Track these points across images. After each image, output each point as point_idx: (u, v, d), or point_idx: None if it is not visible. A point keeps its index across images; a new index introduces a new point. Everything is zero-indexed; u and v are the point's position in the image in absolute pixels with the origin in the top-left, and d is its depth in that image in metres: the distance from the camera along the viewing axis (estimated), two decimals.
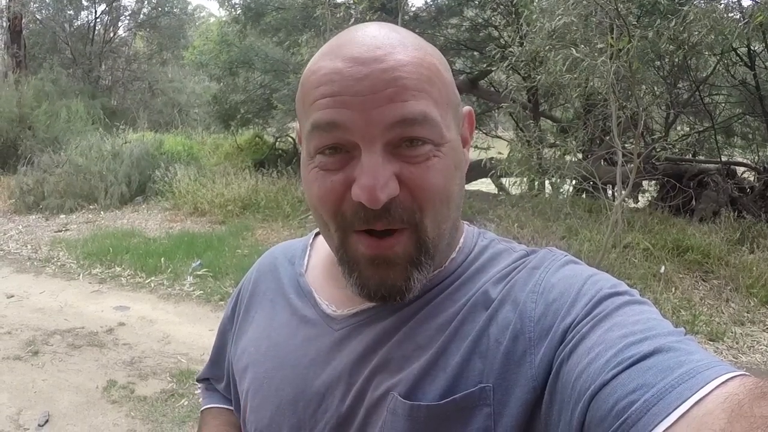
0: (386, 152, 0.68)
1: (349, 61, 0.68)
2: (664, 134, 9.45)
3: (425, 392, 0.70)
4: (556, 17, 5.83)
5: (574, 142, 7.44)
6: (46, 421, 3.89)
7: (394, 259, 0.71)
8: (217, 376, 1.09)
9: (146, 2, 22.03)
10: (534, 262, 0.76)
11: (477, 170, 7.90)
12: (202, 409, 1.13)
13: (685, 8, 5.78)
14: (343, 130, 0.68)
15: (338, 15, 7.64)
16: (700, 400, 0.50)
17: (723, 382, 0.51)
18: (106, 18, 20.72)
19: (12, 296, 6.14)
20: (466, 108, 0.80)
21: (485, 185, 11.62)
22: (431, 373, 0.71)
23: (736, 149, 11.43)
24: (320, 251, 0.94)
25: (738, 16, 7.37)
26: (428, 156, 0.69)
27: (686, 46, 6.47)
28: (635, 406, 0.53)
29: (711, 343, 5.38)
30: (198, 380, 1.17)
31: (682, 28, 5.85)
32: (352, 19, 7.69)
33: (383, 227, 0.70)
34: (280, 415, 0.82)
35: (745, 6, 7.32)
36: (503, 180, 10.53)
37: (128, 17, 22.23)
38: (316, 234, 0.99)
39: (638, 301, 0.67)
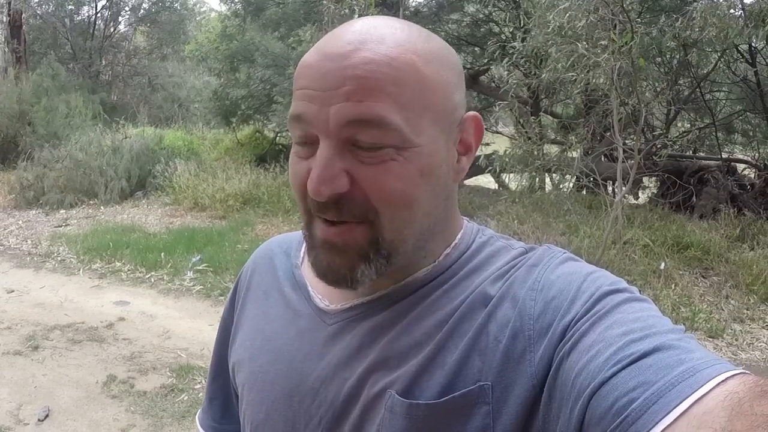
0: (341, 148, 0.68)
1: (321, 56, 0.69)
2: (664, 131, 9.44)
3: (423, 390, 0.70)
4: (565, 14, 5.81)
5: (574, 138, 7.44)
6: (46, 415, 3.89)
7: (343, 247, 0.72)
8: (223, 395, 1.06)
9: None
10: (533, 259, 0.76)
11: (477, 166, 7.89)
12: None
13: (691, 7, 5.77)
14: (306, 123, 0.69)
15: (342, 12, 7.61)
16: (700, 398, 0.50)
17: (723, 381, 0.51)
18: (106, 13, 20.70)
19: (12, 291, 6.15)
20: (471, 113, 0.77)
21: (485, 181, 11.62)
22: (429, 370, 0.70)
23: (737, 146, 11.42)
24: None
25: (739, 13, 7.35)
26: (385, 159, 0.68)
27: (690, 42, 6.46)
28: (635, 404, 0.53)
29: (710, 339, 5.38)
30: (200, 420, 1.12)
31: (685, 26, 5.84)
32: (356, 15, 7.68)
33: (333, 218, 0.71)
34: (276, 410, 0.82)
35: (748, 2, 7.30)
36: (503, 176, 10.53)
37: (128, 12, 22.20)
38: None
39: (638, 298, 0.67)
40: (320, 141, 0.68)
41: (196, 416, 1.12)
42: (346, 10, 7.60)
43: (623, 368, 0.56)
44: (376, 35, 0.69)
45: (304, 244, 0.96)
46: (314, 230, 0.74)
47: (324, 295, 0.85)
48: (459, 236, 0.82)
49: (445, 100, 0.72)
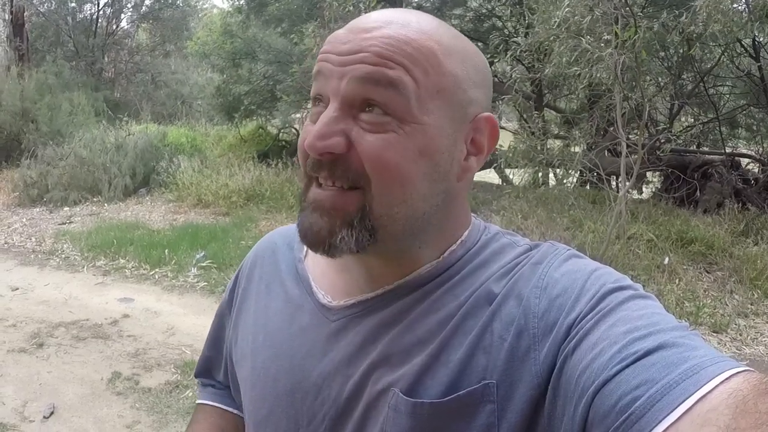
0: (346, 111, 0.70)
1: (348, 30, 0.73)
2: (668, 125, 9.41)
3: (427, 388, 0.70)
4: (564, 7, 5.80)
5: (578, 133, 7.42)
6: (52, 413, 3.91)
7: (330, 208, 0.72)
8: (215, 362, 1.09)
9: None
10: (537, 256, 0.76)
11: None
12: (196, 402, 1.13)
13: (694, 2, 5.74)
14: (322, 80, 0.72)
15: (345, 10, 7.60)
16: (705, 396, 0.50)
17: (727, 378, 0.51)
18: (108, 10, 20.67)
19: (17, 289, 6.16)
20: (487, 114, 0.76)
21: (489, 176, 11.62)
22: (433, 368, 0.70)
23: (741, 140, 11.38)
24: None
25: (743, 8, 7.33)
26: (386, 128, 0.69)
27: (693, 37, 6.44)
28: (639, 402, 0.53)
29: (714, 334, 5.37)
30: (196, 375, 1.16)
31: (688, 20, 5.82)
32: (362, 12, 7.66)
33: (325, 179, 0.72)
34: (279, 407, 0.82)
35: None
36: (507, 171, 10.52)
37: (131, 9, 22.18)
38: None
39: (642, 295, 0.67)
40: (330, 101, 0.71)
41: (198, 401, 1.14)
42: (350, 7, 7.58)
43: (627, 366, 0.56)
44: (402, 20, 0.72)
45: None
46: (308, 193, 0.75)
47: (327, 291, 0.85)
48: (466, 234, 0.82)
49: (459, 91, 0.73)
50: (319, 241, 0.73)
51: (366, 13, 0.77)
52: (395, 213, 0.72)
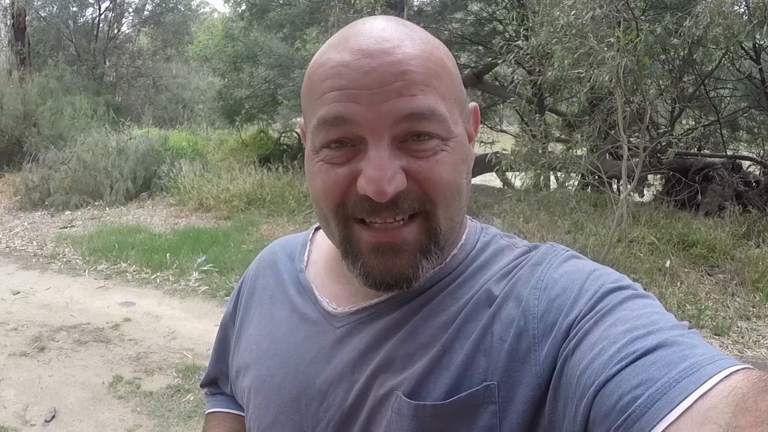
0: (393, 146, 0.68)
1: (357, 54, 0.67)
2: (669, 128, 9.41)
3: (430, 391, 0.70)
4: (571, 11, 5.81)
5: (579, 137, 7.42)
6: (53, 416, 3.90)
7: (402, 246, 0.71)
8: (222, 374, 1.09)
9: None
10: (536, 258, 0.76)
11: (482, 165, 7.88)
12: (206, 412, 1.12)
13: (697, 8, 5.75)
14: (351, 124, 0.67)
15: (349, 13, 7.61)
16: (704, 394, 0.50)
17: (727, 376, 0.51)
18: (110, 14, 20.71)
19: (18, 293, 6.16)
20: (472, 104, 0.80)
21: (490, 180, 11.60)
22: (435, 371, 0.70)
23: (742, 143, 11.37)
24: (321, 246, 0.94)
25: (743, 10, 7.33)
26: (436, 150, 0.69)
27: (695, 40, 6.44)
28: (639, 401, 0.53)
29: (716, 337, 5.36)
30: (202, 386, 1.15)
31: (691, 24, 5.82)
32: (363, 14, 7.67)
33: (387, 218, 0.69)
34: (283, 414, 0.82)
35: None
36: (508, 174, 10.51)
37: (132, 14, 22.25)
38: (316, 229, 0.98)
39: (641, 295, 0.67)
40: (369, 141, 0.67)
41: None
42: (357, 11, 7.59)
43: (627, 366, 0.56)
44: (404, 32, 0.70)
45: (307, 249, 0.96)
46: (357, 237, 0.72)
47: (331, 298, 0.85)
48: (464, 236, 0.83)
49: (462, 92, 0.75)
50: (402, 281, 0.72)
51: (366, 16, 0.75)
52: (456, 222, 0.75)
